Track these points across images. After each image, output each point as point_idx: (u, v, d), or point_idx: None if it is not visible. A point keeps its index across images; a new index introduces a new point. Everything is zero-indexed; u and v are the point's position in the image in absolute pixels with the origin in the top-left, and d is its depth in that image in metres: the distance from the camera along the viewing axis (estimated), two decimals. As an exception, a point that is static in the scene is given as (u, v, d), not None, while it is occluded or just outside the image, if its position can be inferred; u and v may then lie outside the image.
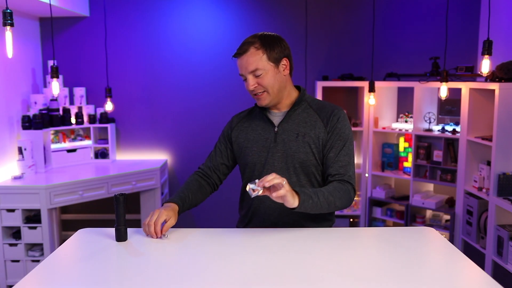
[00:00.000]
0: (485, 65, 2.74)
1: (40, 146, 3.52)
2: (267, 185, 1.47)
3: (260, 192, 1.50)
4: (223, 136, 1.89)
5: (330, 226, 1.83)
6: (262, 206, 1.76)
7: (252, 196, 1.50)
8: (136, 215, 4.17)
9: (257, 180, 1.49)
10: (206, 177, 1.87)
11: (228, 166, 1.89)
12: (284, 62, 1.72)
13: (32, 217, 3.21)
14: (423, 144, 3.69)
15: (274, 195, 1.48)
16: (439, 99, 3.60)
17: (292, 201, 1.50)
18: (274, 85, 1.69)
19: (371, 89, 3.75)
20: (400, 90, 4.06)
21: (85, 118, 3.99)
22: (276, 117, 1.78)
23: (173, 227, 1.66)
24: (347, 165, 1.70)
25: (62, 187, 3.23)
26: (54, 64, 3.03)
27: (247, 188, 1.50)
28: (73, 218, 4.24)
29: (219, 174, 1.88)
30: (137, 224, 4.14)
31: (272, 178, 1.46)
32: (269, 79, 1.68)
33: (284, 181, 1.47)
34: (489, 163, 3.14)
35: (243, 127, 1.83)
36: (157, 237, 1.60)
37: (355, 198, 4.09)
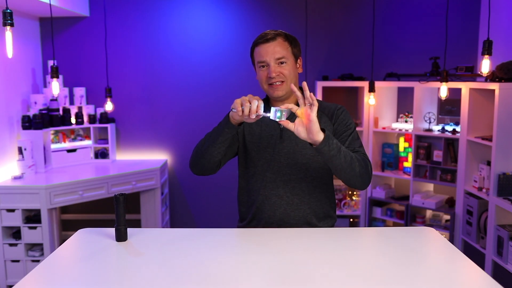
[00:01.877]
0: (485, 65, 2.74)
1: (40, 146, 3.52)
2: (307, 99, 1.46)
3: (283, 118, 1.47)
4: None
5: (333, 224, 1.83)
6: (268, 203, 1.75)
7: (271, 117, 1.48)
8: (136, 215, 4.17)
9: (283, 108, 1.48)
10: None
11: (230, 152, 1.81)
12: (299, 61, 1.79)
13: (32, 217, 3.21)
14: (423, 144, 3.69)
15: (308, 112, 1.46)
16: (439, 99, 3.60)
17: (317, 130, 1.48)
18: (292, 78, 1.73)
19: (371, 89, 3.75)
20: (400, 90, 4.06)
21: (85, 118, 3.99)
22: None
23: (173, 227, 1.66)
24: (359, 147, 1.72)
25: (62, 187, 3.23)
26: (54, 64, 3.03)
27: (272, 109, 1.47)
28: (73, 218, 4.24)
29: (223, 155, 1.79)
30: (137, 224, 4.14)
31: (312, 96, 1.47)
32: (290, 70, 1.72)
33: (315, 108, 1.46)
34: (489, 163, 3.15)
35: (248, 123, 1.80)
36: (255, 116, 1.53)
37: (354, 198, 4.12)
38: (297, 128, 1.50)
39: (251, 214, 1.81)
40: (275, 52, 1.69)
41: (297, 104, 1.59)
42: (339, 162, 1.55)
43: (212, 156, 1.70)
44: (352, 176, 1.60)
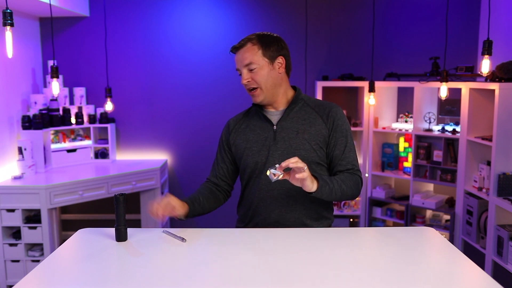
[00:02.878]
0: (485, 65, 2.74)
1: (40, 146, 3.52)
2: (291, 166, 1.50)
3: (281, 177, 1.53)
4: (222, 143, 1.89)
5: (330, 225, 1.83)
6: (263, 205, 1.76)
7: (273, 180, 1.54)
8: (136, 215, 4.17)
9: (277, 165, 1.52)
10: (215, 185, 1.88)
11: (234, 170, 1.90)
12: (280, 60, 1.75)
13: (32, 217, 3.21)
14: (423, 144, 3.69)
15: (297, 176, 1.51)
16: (439, 99, 3.60)
17: (311, 186, 1.55)
18: (267, 81, 1.73)
19: (371, 89, 3.75)
20: (400, 90, 4.06)
21: (85, 118, 3.99)
22: (274, 116, 1.79)
23: (173, 227, 1.66)
24: (354, 160, 1.77)
25: (62, 187, 3.23)
26: (54, 64, 3.03)
27: (268, 173, 1.53)
28: (73, 218, 4.24)
29: (227, 180, 1.89)
30: (137, 224, 4.14)
31: (296, 161, 1.50)
32: (262, 74, 1.72)
33: (305, 166, 1.51)
34: (489, 163, 3.15)
35: (241, 129, 1.84)
36: (160, 218, 1.63)
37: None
38: (292, 180, 1.56)
39: (248, 217, 1.83)
40: (243, 59, 1.72)
41: (290, 119, 1.74)
42: (333, 197, 1.66)
43: (213, 209, 1.87)
44: (342, 200, 1.77)
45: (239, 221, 1.90)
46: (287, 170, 1.55)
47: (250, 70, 1.71)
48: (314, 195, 1.60)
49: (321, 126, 1.74)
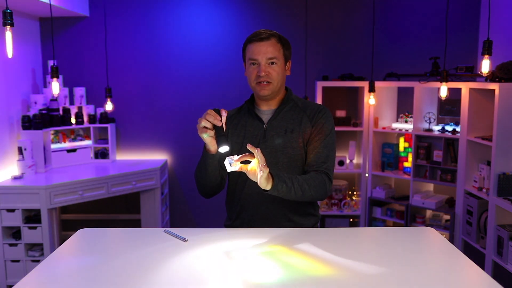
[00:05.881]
0: (485, 65, 2.74)
1: (40, 146, 3.52)
2: (250, 158, 1.51)
3: (237, 168, 1.54)
4: None
5: (316, 222, 1.87)
6: (251, 201, 1.79)
7: (229, 170, 1.54)
8: (136, 215, 4.17)
9: (236, 156, 1.53)
10: None
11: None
12: (288, 64, 1.82)
13: (32, 217, 3.21)
14: (423, 144, 3.69)
15: (258, 173, 1.51)
16: (439, 99, 3.60)
17: (265, 184, 1.52)
18: (279, 79, 1.76)
19: (371, 89, 3.74)
20: (400, 90, 4.06)
21: (85, 118, 3.99)
22: (265, 115, 1.83)
23: (173, 227, 1.66)
24: (326, 157, 1.75)
25: (62, 187, 3.23)
26: (54, 64, 3.03)
27: (226, 162, 1.52)
28: (73, 218, 4.24)
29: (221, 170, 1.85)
30: (137, 224, 4.14)
31: (257, 156, 1.51)
32: (278, 71, 1.75)
33: (265, 167, 1.50)
34: (489, 163, 3.15)
35: (233, 124, 1.86)
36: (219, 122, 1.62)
37: (354, 198, 4.12)
38: (249, 174, 1.55)
39: (235, 213, 1.85)
40: (267, 51, 1.73)
41: (272, 121, 1.76)
42: (293, 196, 1.62)
43: (212, 182, 1.78)
44: (306, 200, 1.71)
45: (227, 219, 1.93)
46: (246, 162, 1.55)
47: (270, 64, 1.73)
48: (269, 193, 1.56)
49: (307, 125, 1.78)
